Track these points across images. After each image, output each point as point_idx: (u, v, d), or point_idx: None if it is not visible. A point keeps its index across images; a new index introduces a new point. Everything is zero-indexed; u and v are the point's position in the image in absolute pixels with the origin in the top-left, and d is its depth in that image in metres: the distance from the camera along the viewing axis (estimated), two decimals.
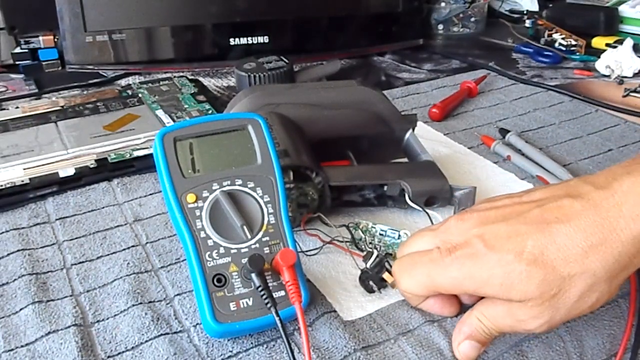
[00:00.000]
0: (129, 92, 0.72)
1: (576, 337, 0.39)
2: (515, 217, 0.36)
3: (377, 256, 0.42)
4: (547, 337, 0.39)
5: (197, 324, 0.39)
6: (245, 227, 0.38)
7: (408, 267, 0.38)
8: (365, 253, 0.43)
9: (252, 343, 0.37)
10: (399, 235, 0.46)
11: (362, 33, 0.91)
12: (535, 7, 1.05)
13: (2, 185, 0.52)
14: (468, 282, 0.35)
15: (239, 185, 0.39)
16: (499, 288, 0.34)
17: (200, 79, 0.80)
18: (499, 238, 0.35)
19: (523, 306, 0.34)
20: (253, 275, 0.36)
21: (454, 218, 0.39)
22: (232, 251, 0.37)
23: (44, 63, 0.84)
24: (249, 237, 0.38)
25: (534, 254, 0.34)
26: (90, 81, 0.79)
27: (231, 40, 0.85)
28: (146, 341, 0.37)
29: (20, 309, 0.40)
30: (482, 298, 0.38)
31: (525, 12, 1.04)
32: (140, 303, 0.40)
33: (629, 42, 0.82)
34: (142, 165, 0.57)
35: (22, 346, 0.37)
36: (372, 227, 0.47)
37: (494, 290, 0.35)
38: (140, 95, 0.71)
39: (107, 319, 0.39)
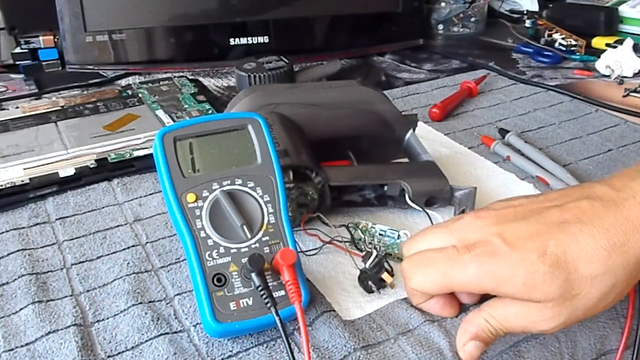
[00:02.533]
0: (129, 92, 0.72)
1: (571, 338, 0.40)
2: (535, 216, 0.35)
3: (376, 256, 0.42)
4: (544, 338, 0.39)
5: (197, 323, 0.39)
6: (245, 227, 0.38)
7: (421, 264, 0.37)
8: (364, 253, 0.43)
9: (252, 343, 0.37)
10: (399, 236, 0.46)
11: (362, 33, 0.91)
12: (535, 7, 1.05)
13: (2, 185, 0.52)
14: (487, 280, 0.34)
15: (239, 185, 0.39)
16: (520, 288, 0.34)
17: (200, 79, 0.80)
18: (520, 237, 0.34)
19: (542, 307, 0.34)
20: (253, 275, 0.36)
21: (469, 216, 0.38)
22: (232, 251, 0.37)
23: (44, 63, 0.84)
24: (249, 236, 0.38)
25: (557, 254, 0.33)
26: (90, 81, 0.79)
27: (231, 40, 0.84)
28: (146, 341, 0.37)
29: (20, 309, 0.40)
30: (483, 299, 0.38)
31: (525, 12, 1.04)
32: (140, 303, 0.40)
33: (629, 42, 0.82)
34: (142, 165, 0.57)
35: (22, 346, 0.37)
36: (371, 227, 0.47)
37: (515, 290, 0.34)
38: (140, 95, 0.71)
39: (107, 318, 0.39)
